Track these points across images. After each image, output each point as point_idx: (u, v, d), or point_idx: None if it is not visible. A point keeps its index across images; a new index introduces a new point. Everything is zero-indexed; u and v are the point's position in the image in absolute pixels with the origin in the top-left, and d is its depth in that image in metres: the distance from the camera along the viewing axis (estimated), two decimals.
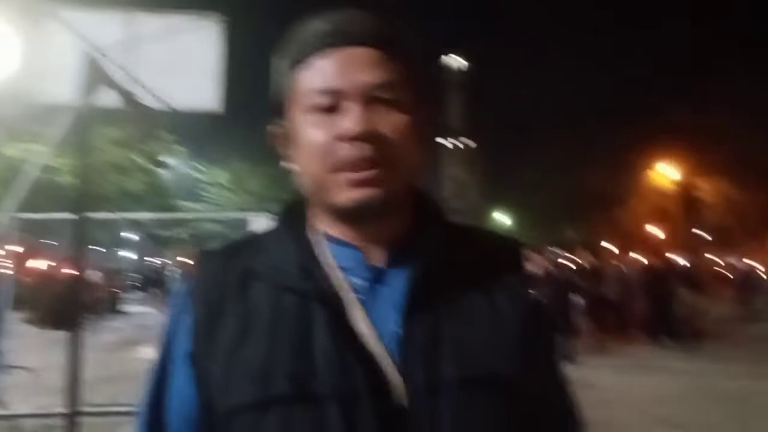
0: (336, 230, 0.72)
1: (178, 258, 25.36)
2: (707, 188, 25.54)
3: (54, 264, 15.89)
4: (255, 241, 0.75)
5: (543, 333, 0.75)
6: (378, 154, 0.67)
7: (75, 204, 5.45)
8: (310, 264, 0.69)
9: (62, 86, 5.70)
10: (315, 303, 0.67)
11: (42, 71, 5.81)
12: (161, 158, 20.30)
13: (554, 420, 0.74)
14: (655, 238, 29.03)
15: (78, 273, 5.64)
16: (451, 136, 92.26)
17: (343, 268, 0.70)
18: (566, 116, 50.08)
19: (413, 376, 0.64)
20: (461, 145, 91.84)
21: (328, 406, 0.62)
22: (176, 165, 22.93)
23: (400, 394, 0.63)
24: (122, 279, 20.77)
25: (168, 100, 6.05)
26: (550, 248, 9.90)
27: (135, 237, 29.53)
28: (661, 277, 10.57)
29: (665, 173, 27.79)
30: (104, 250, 24.70)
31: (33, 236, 15.79)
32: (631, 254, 20.73)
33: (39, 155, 15.02)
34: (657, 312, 10.34)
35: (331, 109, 0.68)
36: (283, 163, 0.75)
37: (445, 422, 0.63)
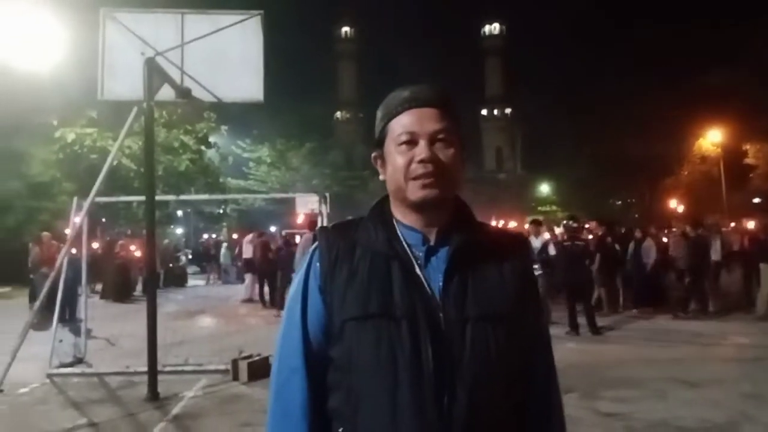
0: (407, 218, 1.16)
1: (227, 233, 26.48)
2: (755, 153, 24.63)
3: (117, 242, 16.96)
4: (355, 223, 1.19)
5: (531, 292, 1.18)
6: (437, 171, 1.10)
7: (142, 189, 6.12)
8: (392, 239, 1.13)
9: (122, 81, 6.39)
10: (394, 261, 1.10)
11: (101, 66, 6.48)
12: (207, 138, 21.06)
13: (537, 346, 1.18)
14: (696, 208, 28.33)
15: (138, 251, 6.29)
16: (490, 105, 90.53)
17: (409, 244, 1.13)
18: (607, 83, 48.16)
19: (449, 312, 1.06)
20: (500, 115, 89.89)
21: (402, 322, 1.04)
22: (222, 144, 23.69)
23: (442, 322, 1.05)
24: (177, 255, 21.88)
25: (216, 92, 6.68)
26: (571, 220, 9.79)
27: (185, 214, 30.77)
28: (696, 248, 10.32)
29: (713, 140, 26.96)
30: (160, 228, 25.86)
31: (97, 217, 16.83)
32: (675, 225, 20.38)
33: (97, 141, 15.82)
34: (689, 284, 10.29)
35: (410, 143, 1.12)
36: (380, 177, 1.20)
37: (467, 341, 1.05)
